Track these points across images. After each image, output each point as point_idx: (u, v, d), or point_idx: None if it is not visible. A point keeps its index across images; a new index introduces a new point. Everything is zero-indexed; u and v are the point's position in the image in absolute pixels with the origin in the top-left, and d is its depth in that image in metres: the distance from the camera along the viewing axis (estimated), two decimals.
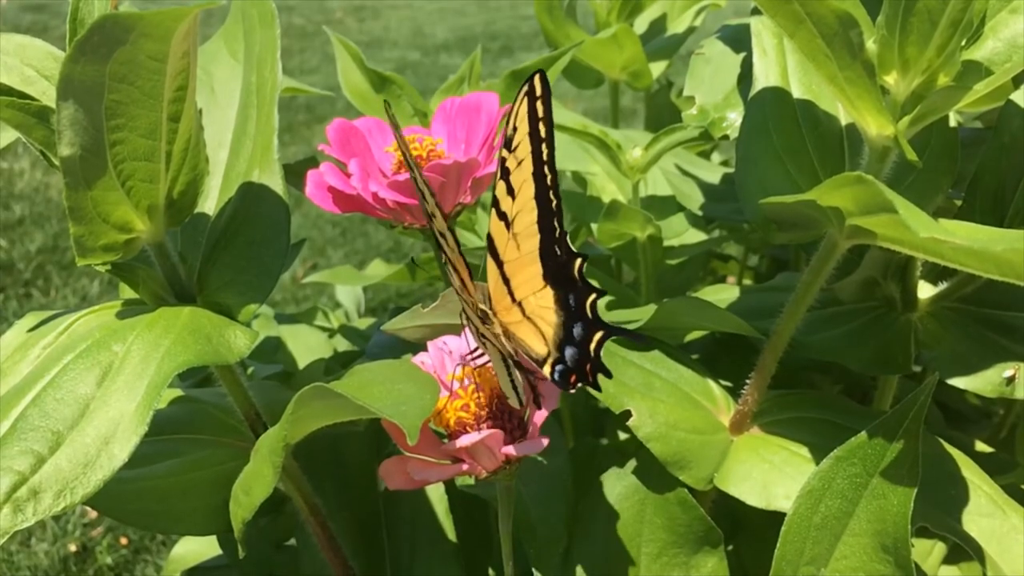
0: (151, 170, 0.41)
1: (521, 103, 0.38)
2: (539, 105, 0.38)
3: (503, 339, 0.39)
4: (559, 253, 0.40)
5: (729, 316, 0.53)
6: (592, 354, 0.38)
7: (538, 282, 0.40)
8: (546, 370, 0.39)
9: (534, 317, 0.40)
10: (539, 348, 0.40)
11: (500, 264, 0.41)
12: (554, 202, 0.39)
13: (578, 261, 0.39)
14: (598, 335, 0.38)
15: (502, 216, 0.40)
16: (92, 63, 0.35)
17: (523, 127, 0.38)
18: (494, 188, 0.40)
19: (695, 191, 0.72)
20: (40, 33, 0.45)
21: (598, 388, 0.39)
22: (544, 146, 0.38)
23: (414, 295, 1.88)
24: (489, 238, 0.40)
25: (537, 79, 0.38)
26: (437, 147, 0.51)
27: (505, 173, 0.39)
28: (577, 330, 0.39)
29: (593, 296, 0.39)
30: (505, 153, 0.39)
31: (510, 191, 0.39)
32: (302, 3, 5.06)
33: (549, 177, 0.39)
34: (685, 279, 0.81)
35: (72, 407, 0.40)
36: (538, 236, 0.40)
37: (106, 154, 0.38)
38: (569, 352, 0.39)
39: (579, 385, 0.39)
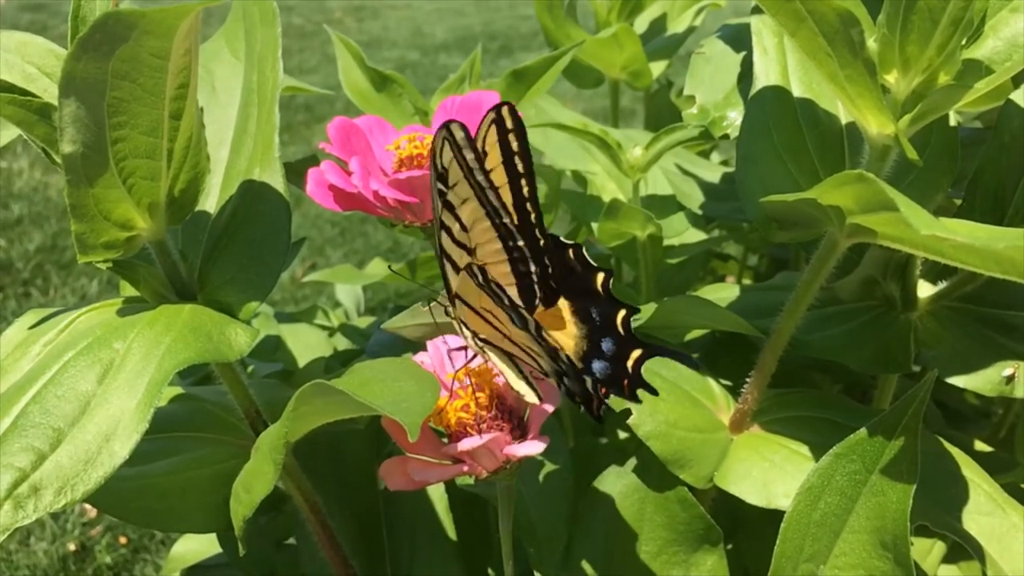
0: (152, 168, 0.41)
1: (489, 129, 0.36)
2: (511, 138, 0.36)
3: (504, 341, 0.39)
4: (575, 262, 0.39)
5: (729, 315, 0.53)
6: (631, 372, 0.37)
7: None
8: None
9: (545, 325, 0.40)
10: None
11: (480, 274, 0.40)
12: (536, 227, 0.38)
13: (600, 275, 0.39)
14: (636, 353, 0.37)
15: (460, 245, 0.38)
16: (94, 60, 0.35)
17: (456, 168, 0.36)
18: (440, 215, 0.38)
19: (695, 190, 0.72)
20: (39, 32, 0.45)
21: (638, 401, 0.38)
22: (523, 181, 0.37)
23: (413, 294, 1.88)
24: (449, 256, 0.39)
25: (505, 111, 0.35)
26: None
27: (450, 207, 0.37)
28: (607, 345, 0.38)
29: (624, 312, 0.38)
30: (442, 187, 0.37)
31: (463, 227, 0.38)
32: (301, 3, 5.06)
33: (533, 215, 0.38)
34: (685, 278, 0.81)
35: (73, 404, 0.40)
36: (514, 280, 0.39)
37: (108, 151, 0.38)
38: (599, 366, 0.38)
39: (609, 397, 0.38)
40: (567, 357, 0.37)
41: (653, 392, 0.38)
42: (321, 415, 0.40)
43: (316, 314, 1.00)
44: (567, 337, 0.39)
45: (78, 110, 0.36)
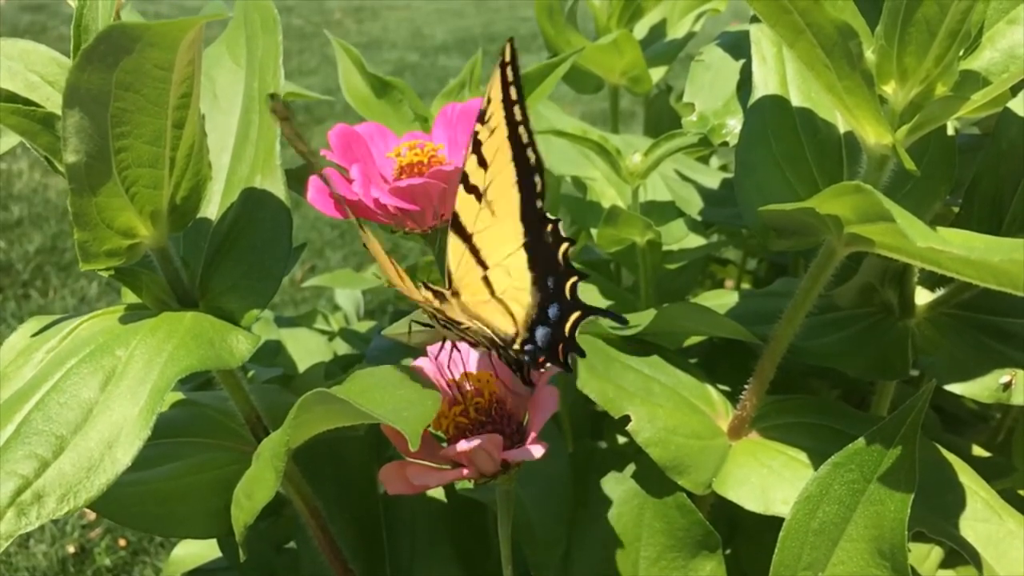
0: (155, 176, 0.41)
1: (495, 78, 0.39)
2: (508, 71, 0.39)
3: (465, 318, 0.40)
4: (542, 224, 0.40)
5: (728, 322, 0.53)
6: (567, 333, 0.38)
7: (515, 241, 0.41)
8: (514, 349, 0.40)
9: (506, 298, 0.41)
10: (506, 328, 0.40)
11: (468, 237, 0.41)
12: (532, 158, 0.40)
13: (564, 245, 0.40)
14: (575, 316, 0.38)
15: (472, 189, 0.41)
16: (98, 72, 0.35)
17: (496, 95, 0.39)
18: (464, 164, 0.41)
19: (694, 196, 0.73)
20: (39, 33, 0.46)
21: (569, 370, 0.39)
22: (516, 108, 0.39)
23: None
24: (454, 216, 0.41)
25: (507, 47, 0.38)
26: (438, 153, 0.51)
27: (477, 146, 0.40)
28: (552, 311, 0.39)
29: (575, 279, 0.39)
30: (479, 127, 0.40)
31: (482, 162, 0.40)
32: (301, 4, 5.06)
33: (525, 136, 0.39)
34: (684, 283, 0.81)
35: (75, 411, 0.40)
36: (518, 194, 0.40)
37: (111, 161, 0.39)
38: (541, 332, 0.39)
39: (547, 366, 0.39)
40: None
41: (581, 353, 0.38)
42: (322, 422, 0.41)
43: (316, 318, 1.01)
44: (520, 307, 0.40)
45: (82, 120, 0.37)
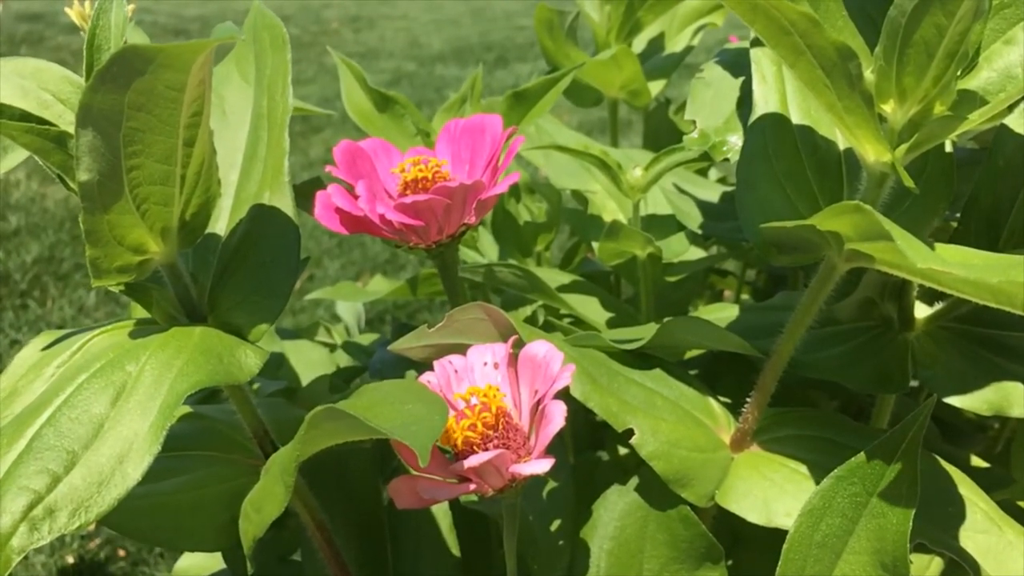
0: (166, 194, 0.42)
1: None
2: None
3: None
4: None
5: (729, 335, 0.54)
6: None
7: None
8: None
9: None
10: None
11: None
12: None
13: None
14: None
15: None
16: (111, 92, 0.36)
17: None
18: None
19: (694, 209, 0.73)
20: (36, 43, 0.46)
21: None
22: None
23: (411, 306, 1.89)
24: None
25: None
26: (442, 168, 0.52)
27: None
28: None
29: None
30: None
31: None
32: (298, 13, 5.07)
33: None
34: (684, 295, 0.81)
35: (87, 426, 0.40)
36: None
37: (123, 179, 0.39)
38: None
39: None
40: None
41: None
42: (330, 437, 0.41)
43: (318, 331, 1.01)
44: None
45: (94, 139, 0.37)
